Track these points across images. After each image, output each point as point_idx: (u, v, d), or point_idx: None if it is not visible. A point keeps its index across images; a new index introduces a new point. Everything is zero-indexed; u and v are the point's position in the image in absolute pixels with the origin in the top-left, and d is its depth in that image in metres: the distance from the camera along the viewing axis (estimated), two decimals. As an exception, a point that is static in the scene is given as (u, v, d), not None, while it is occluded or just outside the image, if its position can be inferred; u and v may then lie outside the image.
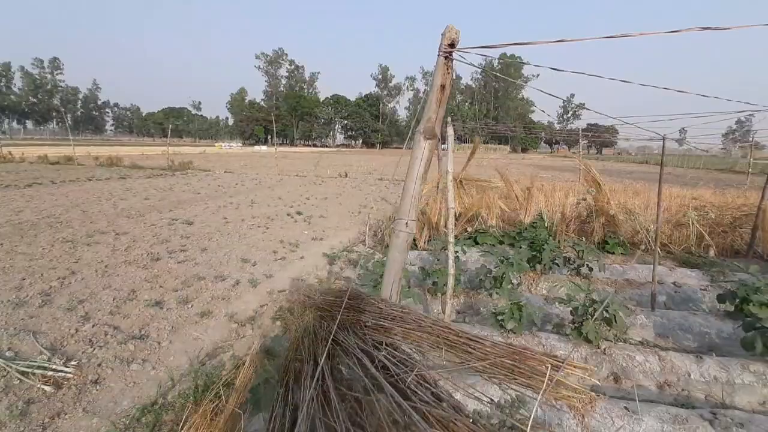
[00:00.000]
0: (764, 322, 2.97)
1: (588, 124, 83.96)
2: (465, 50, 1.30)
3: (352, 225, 8.33)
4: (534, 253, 5.02)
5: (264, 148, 74.46)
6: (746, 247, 5.79)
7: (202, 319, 3.80)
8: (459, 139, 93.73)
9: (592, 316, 3.21)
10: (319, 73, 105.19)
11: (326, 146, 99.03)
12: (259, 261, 5.59)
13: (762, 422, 2.37)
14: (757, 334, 2.95)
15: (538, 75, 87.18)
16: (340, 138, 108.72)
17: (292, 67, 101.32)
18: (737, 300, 3.65)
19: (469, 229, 6.81)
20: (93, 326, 3.54)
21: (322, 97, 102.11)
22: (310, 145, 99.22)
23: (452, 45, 1.32)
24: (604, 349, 3.20)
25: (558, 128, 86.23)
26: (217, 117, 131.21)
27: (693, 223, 6.06)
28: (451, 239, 3.60)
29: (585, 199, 6.61)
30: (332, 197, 12.15)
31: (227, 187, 13.53)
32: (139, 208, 9.07)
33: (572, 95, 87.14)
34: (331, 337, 1.22)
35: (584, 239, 6.38)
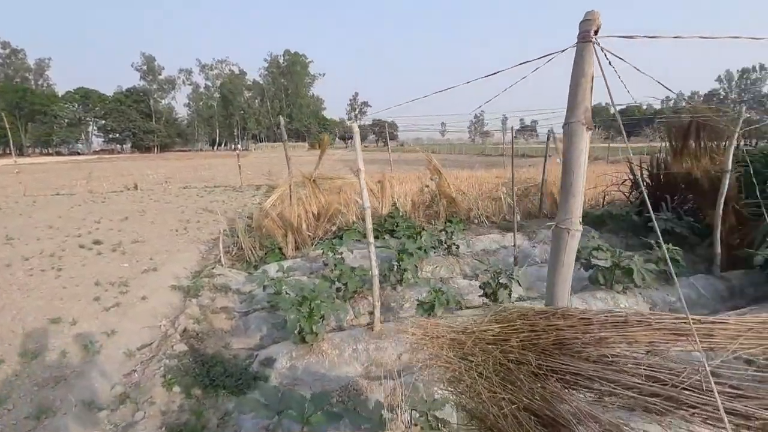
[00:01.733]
0: (597, 262, 4.14)
1: (373, 120, 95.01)
2: (606, 37, 1.29)
3: (186, 245, 6.98)
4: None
5: (-31, 161, 52.71)
6: (537, 210, 7.86)
7: (43, 422, 2.50)
8: (254, 137, 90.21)
9: (501, 285, 3.75)
10: (50, 59, 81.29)
11: (78, 153, 78.07)
12: (79, 316, 4.04)
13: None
14: (598, 271, 4.09)
15: (324, 74, 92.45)
16: (98, 142, 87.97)
17: (7, 51, 75.08)
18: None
19: (333, 228, 6.76)
20: None
21: (61, 91, 79.78)
22: (51, 154, 76.19)
23: (596, 32, 1.29)
24: (511, 310, 3.79)
25: (349, 124, 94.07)
26: None
27: (503, 197, 7.78)
28: (371, 239, 3.51)
29: (428, 186, 7.54)
30: (135, 216, 9.81)
31: (-61, 223, 9.06)
32: None
33: (357, 93, 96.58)
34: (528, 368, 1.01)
35: (433, 221, 7.29)
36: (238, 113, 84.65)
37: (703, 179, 4.84)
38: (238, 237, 6.48)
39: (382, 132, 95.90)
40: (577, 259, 4.95)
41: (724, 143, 4.76)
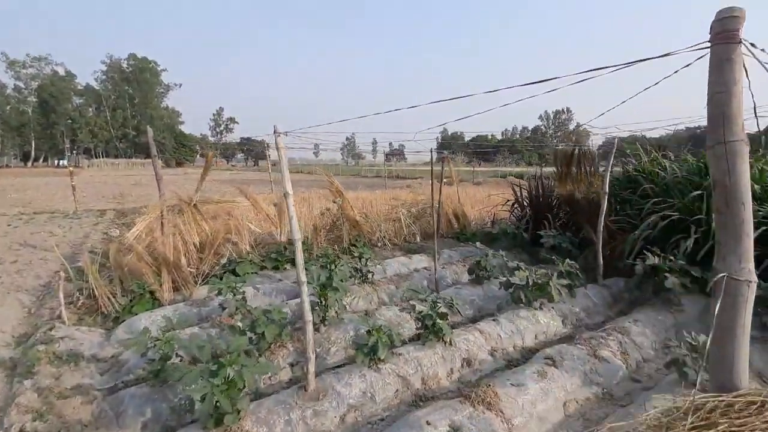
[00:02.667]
0: (516, 281, 4.28)
1: (241, 138, 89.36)
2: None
3: (-2, 297, 5.06)
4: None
5: None
6: (435, 230, 8.10)
7: None
8: (87, 152, 75.31)
9: (440, 315, 3.52)
10: None
11: None
12: None
13: (565, 350, 3.42)
14: (519, 290, 4.22)
15: (180, 85, 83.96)
16: None
17: None
18: (480, 270, 5.06)
19: (223, 261, 5.74)
20: None
21: None
22: None
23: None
24: (450, 340, 3.59)
25: (213, 141, 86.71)
26: None
27: (403, 219, 7.81)
28: (303, 278, 2.92)
29: (329, 209, 7.09)
30: None
31: None
32: None
33: (221, 108, 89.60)
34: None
35: (336, 246, 6.86)
36: (64, 122, 69.94)
37: (582, 200, 5.60)
38: (86, 280, 4.95)
39: (251, 151, 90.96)
40: (489, 278, 5.13)
41: (594, 169, 5.62)
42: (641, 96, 2.73)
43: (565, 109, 79.30)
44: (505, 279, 4.44)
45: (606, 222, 5.42)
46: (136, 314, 4.43)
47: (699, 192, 4.88)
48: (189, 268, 5.51)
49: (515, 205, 7.75)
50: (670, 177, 5.33)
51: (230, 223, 6.12)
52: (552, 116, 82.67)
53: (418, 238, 7.81)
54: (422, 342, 3.54)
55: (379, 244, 7.30)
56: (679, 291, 4.22)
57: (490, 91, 2.43)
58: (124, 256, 5.24)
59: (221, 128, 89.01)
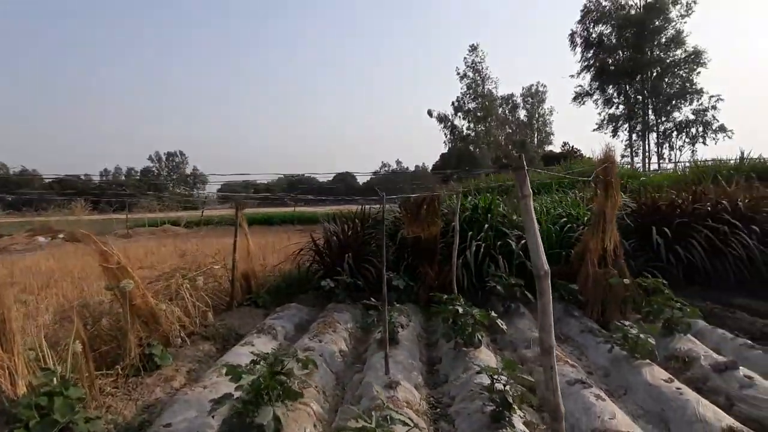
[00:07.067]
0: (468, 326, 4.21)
1: None
2: None
3: None
4: None
5: None
6: (228, 302, 6.10)
7: None
8: None
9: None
10: None
11: None
12: None
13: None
14: (474, 333, 4.17)
15: None
16: None
17: None
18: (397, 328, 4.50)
19: None
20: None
21: None
22: None
23: None
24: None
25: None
26: None
27: (186, 293, 5.42)
28: None
29: (85, 307, 3.88)
30: None
31: None
32: None
33: None
34: None
35: (118, 368, 4.01)
36: None
37: (424, 241, 6.08)
38: None
39: None
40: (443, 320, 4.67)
41: (439, 212, 6.25)
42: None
43: (178, 152, 77.40)
44: (446, 325, 4.30)
45: (439, 257, 6.27)
46: None
47: (488, 225, 6.64)
48: None
49: (315, 254, 7.15)
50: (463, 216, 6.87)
51: None
52: (164, 158, 78.16)
53: (210, 316, 5.62)
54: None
55: (178, 341, 4.69)
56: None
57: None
58: None
59: None
